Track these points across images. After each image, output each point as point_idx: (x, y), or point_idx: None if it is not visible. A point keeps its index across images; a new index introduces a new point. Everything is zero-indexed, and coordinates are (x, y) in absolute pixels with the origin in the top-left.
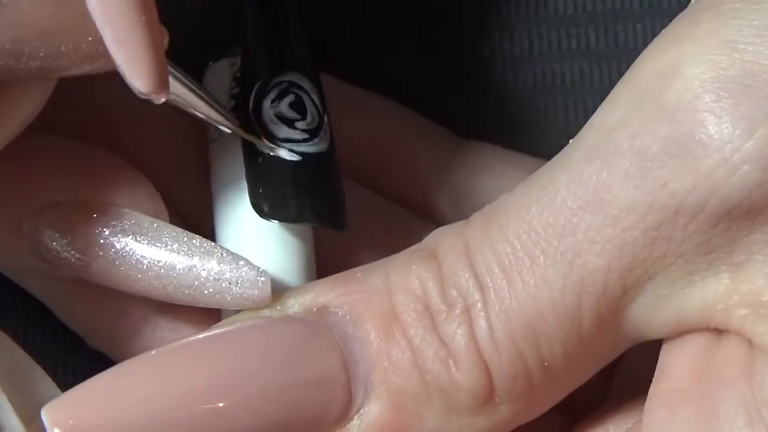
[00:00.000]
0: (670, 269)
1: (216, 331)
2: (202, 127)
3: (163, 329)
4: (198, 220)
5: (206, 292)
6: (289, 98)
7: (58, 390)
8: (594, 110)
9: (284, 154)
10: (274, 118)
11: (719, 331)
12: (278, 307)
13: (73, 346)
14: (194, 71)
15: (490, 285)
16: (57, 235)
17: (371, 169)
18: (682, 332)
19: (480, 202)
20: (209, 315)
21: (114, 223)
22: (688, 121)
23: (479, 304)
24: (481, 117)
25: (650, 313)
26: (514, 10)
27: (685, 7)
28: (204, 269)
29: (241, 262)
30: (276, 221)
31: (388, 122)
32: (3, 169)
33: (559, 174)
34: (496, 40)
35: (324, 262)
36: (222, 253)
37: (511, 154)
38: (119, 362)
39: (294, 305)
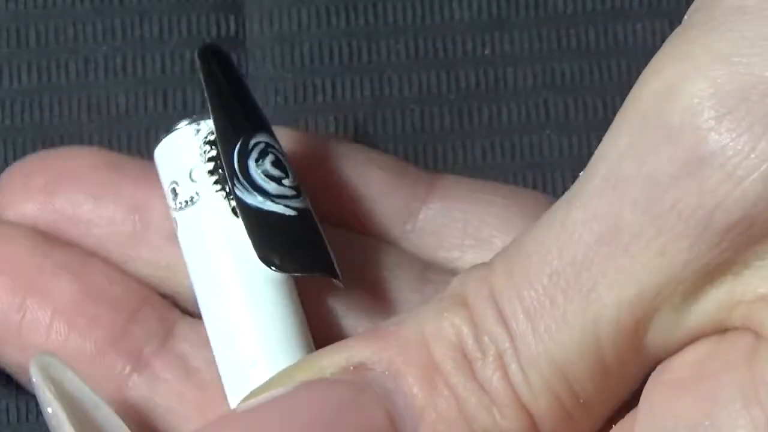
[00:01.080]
0: (683, 286)
1: (254, 404)
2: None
3: (140, 389)
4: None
5: None
6: (270, 157)
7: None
8: (594, 110)
9: (282, 209)
10: (263, 176)
11: (725, 330)
12: (314, 370)
13: None
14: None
15: (517, 330)
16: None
17: (337, 211)
18: (697, 339)
19: (453, 231)
20: (185, 369)
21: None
22: (689, 140)
23: (510, 351)
24: (481, 117)
25: (665, 338)
26: (514, 10)
27: (685, 6)
28: None
29: None
30: (288, 273)
31: (354, 166)
32: None
33: (574, 209)
34: (496, 40)
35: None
36: None
37: (482, 183)
38: None
39: (330, 366)
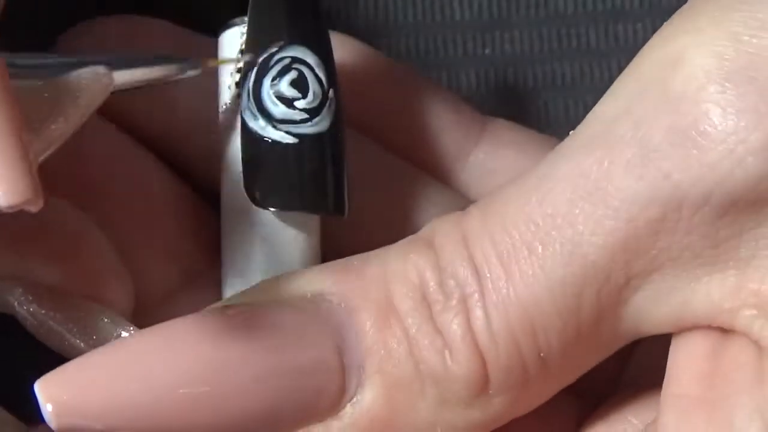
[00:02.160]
0: (676, 261)
1: (207, 315)
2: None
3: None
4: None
5: None
6: (291, 75)
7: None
8: None
9: (281, 137)
10: (273, 98)
11: (725, 331)
12: (273, 293)
13: None
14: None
15: (488, 275)
16: (25, 306)
17: (394, 135)
18: (683, 329)
19: (501, 177)
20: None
21: (82, 319)
22: (692, 111)
23: (476, 295)
24: None
25: (652, 306)
26: (514, 10)
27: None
28: None
29: None
30: (269, 209)
31: (414, 90)
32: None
33: (560, 164)
34: (496, 40)
35: (335, 243)
36: None
37: (535, 134)
38: None
39: (289, 291)
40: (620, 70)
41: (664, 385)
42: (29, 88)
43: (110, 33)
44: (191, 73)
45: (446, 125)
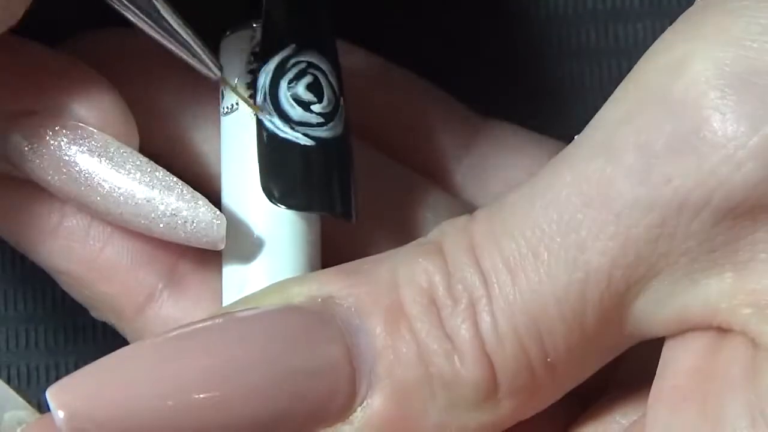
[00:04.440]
0: (674, 266)
1: (217, 320)
2: (216, 98)
3: (168, 307)
4: (206, 174)
5: (161, 225)
6: (307, 79)
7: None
8: (595, 110)
9: (299, 138)
10: (290, 100)
11: (722, 330)
12: (282, 296)
13: (73, 346)
14: (212, 39)
15: (495, 281)
16: (26, 142)
17: (391, 138)
18: (684, 330)
19: (498, 179)
20: (217, 294)
21: (82, 142)
22: (693, 117)
23: (484, 300)
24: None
25: (653, 310)
26: (514, 10)
27: (685, 5)
28: (162, 203)
29: (200, 202)
30: (285, 208)
31: (410, 94)
32: None
33: (563, 170)
34: (496, 40)
35: (333, 245)
36: (182, 190)
37: (532, 134)
38: (123, 334)
39: (299, 294)
40: (620, 70)
41: (655, 380)
42: None
43: (103, 48)
44: (206, 73)
45: (443, 128)
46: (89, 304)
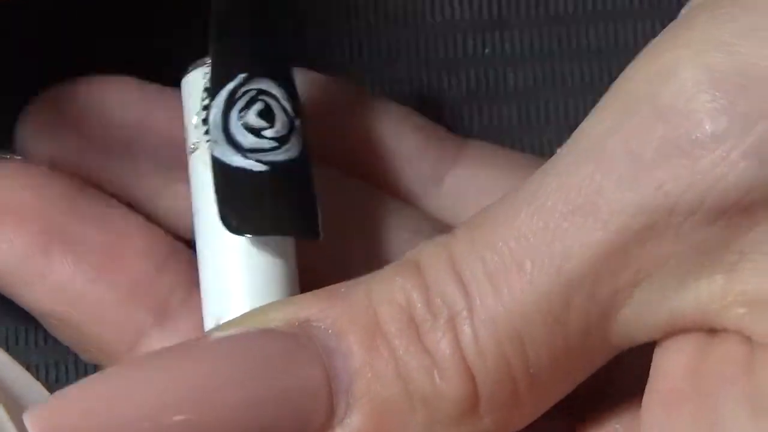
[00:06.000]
0: (662, 270)
1: (193, 343)
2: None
3: (160, 343)
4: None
5: None
6: (257, 106)
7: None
8: None
9: (252, 165)
10: (241, 129)
11: (713, 331)
12: (260, 320)
13: None
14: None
15: (476, 292)
16: None
17: (366, 165)
18: (674, 333)
19: (478, 202)
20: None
21: None
22: (683, 122)
23: (464, 312)
24: (481, 117)
25: (642, 315)
26: (514, 10)
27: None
28: None
29: None
30: (246, 235)
31: (383, 119)
32: None
33: (549, 179)
34: (496, 39)
35: (312, 272)
36: None
37: (513, 154)
38: None
39: (276, 319)
40: (620, 70)
41: (648, 383)
42: None
43: (79, 98)
44: None
45: (417, 150)
46: (79, 347)
